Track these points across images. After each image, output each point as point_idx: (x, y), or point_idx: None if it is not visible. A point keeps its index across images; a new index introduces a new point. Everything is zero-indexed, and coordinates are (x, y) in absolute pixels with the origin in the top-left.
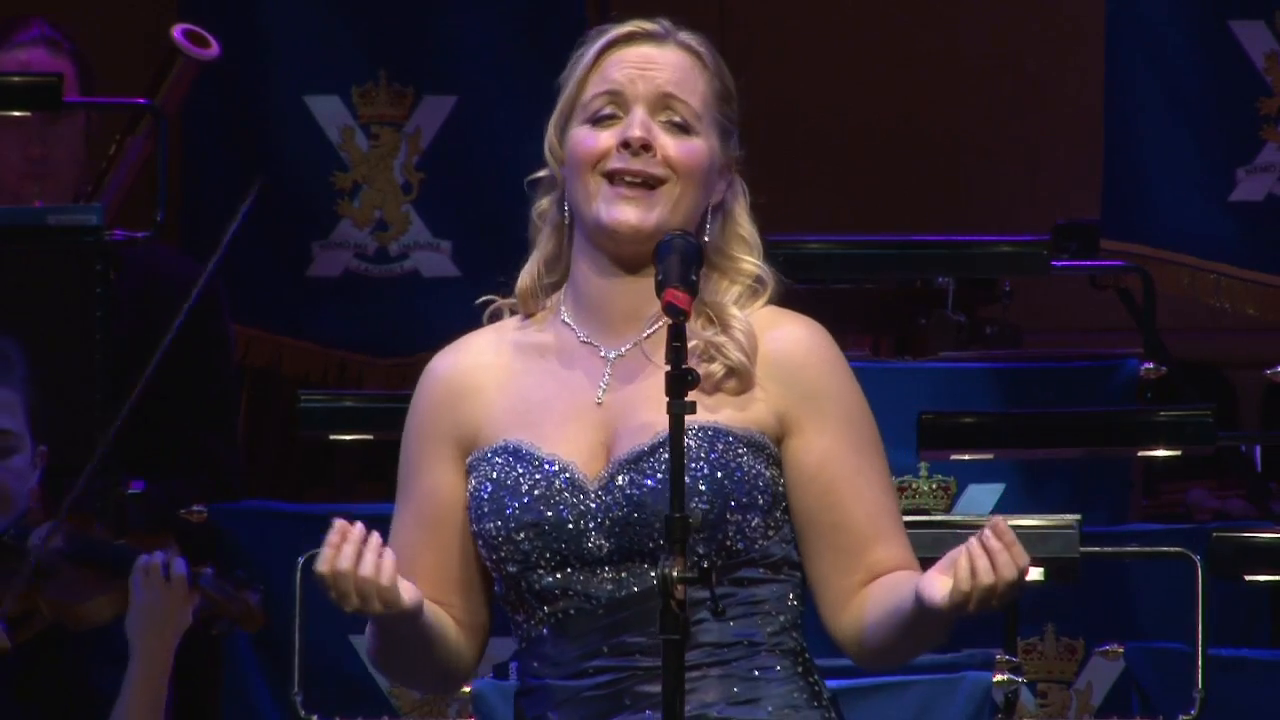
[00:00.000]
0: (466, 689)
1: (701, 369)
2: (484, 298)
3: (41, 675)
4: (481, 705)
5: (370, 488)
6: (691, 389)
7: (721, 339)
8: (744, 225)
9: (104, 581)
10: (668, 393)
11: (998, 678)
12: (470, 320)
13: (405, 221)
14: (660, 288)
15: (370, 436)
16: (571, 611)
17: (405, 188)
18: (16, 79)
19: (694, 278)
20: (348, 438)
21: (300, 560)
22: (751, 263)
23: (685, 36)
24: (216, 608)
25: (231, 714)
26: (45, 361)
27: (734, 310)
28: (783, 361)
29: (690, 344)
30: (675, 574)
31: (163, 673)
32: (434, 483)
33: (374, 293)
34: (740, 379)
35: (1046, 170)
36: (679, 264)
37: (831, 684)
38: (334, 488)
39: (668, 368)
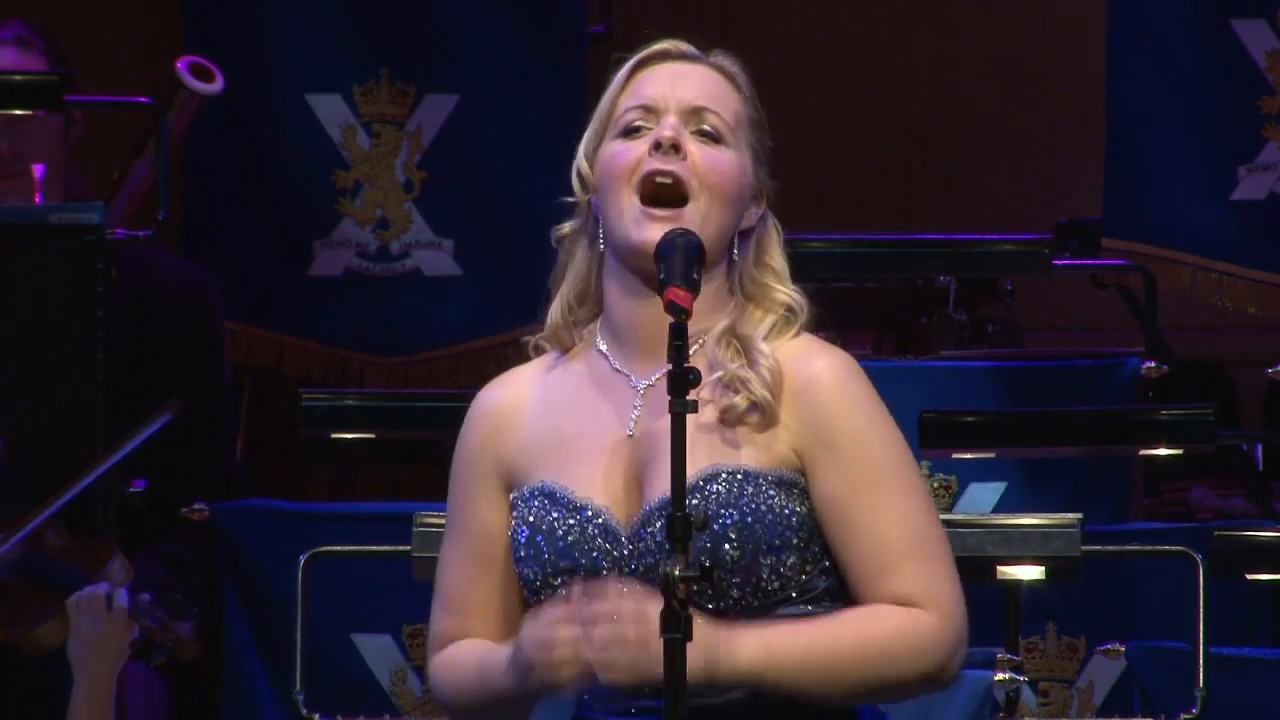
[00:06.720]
0: None
1: (724, 401)
2: (525, 338)
3: (8, 697)
4: None
5: (372, 487)
6: (693, 387)
7: (747, 374)
8: (776, 259)
9: (54, 605)
10: (669, 391)
11: (999, 676)
12: (471, 319)
13: (407, 220)
14: (662, 286)
15: (372, 435)
16: None
17: (407, 186)
18: (18, 77)
19: (696, 276)
20: (349, 436)
21: (302, 559)
22: (785, 292)
23: (719, 59)
24: (151, 635)
25: (233, 713)
26: (45, 361)
27: (763, 346)
28: (802, 396)
29: (716, 375)
30: (677, 573)
31: (108, 697)
32: (482, 518)
33: (376, 291)
34: (764, 414)
35: (1048, 169)
36: (681, 262)
37: None
38: (335, 487)
39: (671, 368)
